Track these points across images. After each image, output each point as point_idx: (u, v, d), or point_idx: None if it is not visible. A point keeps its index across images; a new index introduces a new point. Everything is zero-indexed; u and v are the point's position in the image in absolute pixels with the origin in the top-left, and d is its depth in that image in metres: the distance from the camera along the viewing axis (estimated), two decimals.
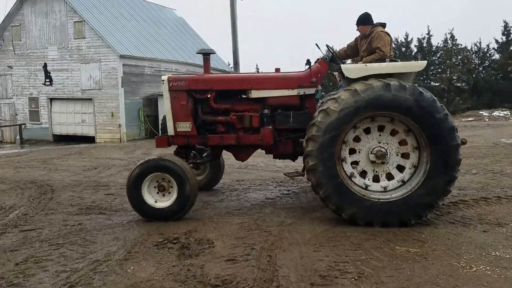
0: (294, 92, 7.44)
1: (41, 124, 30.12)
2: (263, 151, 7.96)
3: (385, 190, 6.36)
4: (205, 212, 7.38)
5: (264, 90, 7.54)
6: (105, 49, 27.39)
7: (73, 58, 28.57)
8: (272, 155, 8.05)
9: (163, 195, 7.06)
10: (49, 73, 29.49)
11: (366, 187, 6.39)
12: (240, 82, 7.63)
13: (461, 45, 47.48)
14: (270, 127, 7.51)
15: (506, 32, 45.12)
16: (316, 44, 7.54)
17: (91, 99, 28.13)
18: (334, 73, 9.13)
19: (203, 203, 7.99)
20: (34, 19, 29.54)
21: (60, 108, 29.58)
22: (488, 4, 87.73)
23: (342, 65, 6.85)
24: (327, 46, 8.14)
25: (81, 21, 27.99)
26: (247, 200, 8.22)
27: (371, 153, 6.36)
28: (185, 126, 7.67)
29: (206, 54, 7.78)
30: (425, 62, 6.96)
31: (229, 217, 6.97)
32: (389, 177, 6.43)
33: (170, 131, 7.78)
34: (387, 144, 6.38)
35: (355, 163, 6.49)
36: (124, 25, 30.50)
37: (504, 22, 44.49)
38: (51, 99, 29.71)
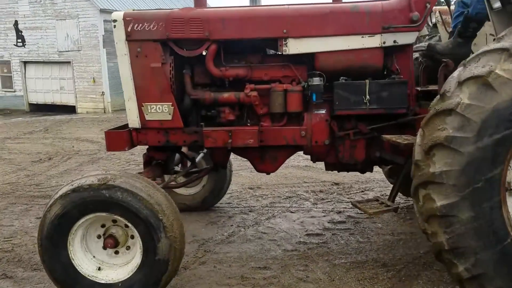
0: (374, 42, 3.76)
1: (14, 92, 26.26)
2: (306, 155, 4.31)
3: None
4: (200, 277, 3.82)
5: (312, 39, 3.87)
6: (83, 3, 23.22)
7: (47, 14, 24.37)
8: (318, 161, 4.38)
9: (115, 253, 3.52)
10: (21, 32, 25.37)
11: None
12: (266, 22, 3.91)
13: None
14: (323, 111, 3.89)
15: None
16: None
17: (69, 62, 24.13)
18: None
19: (196, 248, 4.44)
20: None
21: (36, 73, 25.61)
22: None
23: None
24: None
25: None
26: (274, 238, 4.70)
27: None
28: (161, 111, 4.04)
29: None
30: None
31: None
32: None
33: (133, 119, 4.13)
34: None
35: None
36: None
37: None
38: (25, 63, 25.70)
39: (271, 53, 4.33)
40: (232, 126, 4.06)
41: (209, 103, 4.10)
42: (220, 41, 3.95)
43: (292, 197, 5.99)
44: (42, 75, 25.71)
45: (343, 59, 3.86)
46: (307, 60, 3.98)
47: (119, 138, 4.11)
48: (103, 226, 3.46)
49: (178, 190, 5.28)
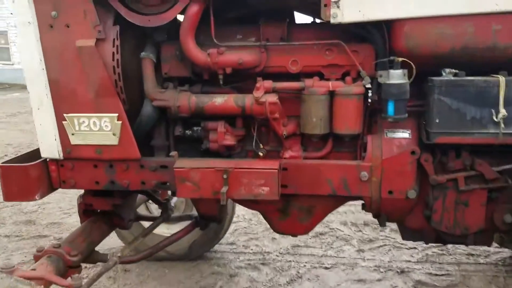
0: None
1: (13, 64, 24.55)
2: (363, 211, 2.35)
3: None
4: None
5: None
6: None
7: None
8: (388, 223, 2.41)
9: None
10: None
11: None
12: None
13: None
14: (407, 135, 2.05)
15: None
16: None
17: None
18: None
19: None
20: None
21: None
22: None
23: None
24: None
25: None
26: None
27: None
28: (98, 129, 2.17)
29: None
30: None
31: None
32: None
33: (48, 144, 2.23)
34: None
35: None
36: None
37: None
38: None
39: (304, 22, 2.40)
40: (229, 160, 2.19)
41: (188, 114, 2.21)
42: None
43: (325, 235, 4.09)
44: None
45: (456, 35, 1.90)
46: (377, 35, 2.04)
47: (23, 178, 2.23)
48: None
49: (157, 230, 3.40)
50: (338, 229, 4.21)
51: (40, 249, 2.19)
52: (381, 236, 4.03)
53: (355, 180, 2.10)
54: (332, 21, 1.95)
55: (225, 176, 2.06)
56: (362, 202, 2.26)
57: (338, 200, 2.31)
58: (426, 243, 2.44)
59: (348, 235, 4.08)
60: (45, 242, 4.13)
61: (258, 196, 2.07)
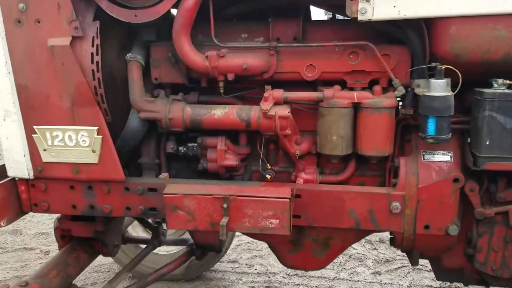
0: None
1: None
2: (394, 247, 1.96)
3: None
4: None
5: None
6: None
7: None
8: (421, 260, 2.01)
9: None
10: None
11: None
12: None
13: None
14: (448, 158, 1.74)
15: None
16: None
17: None
18: None
19: None
20: None
21: None
22: None
23: None
24: None
25: None
26: None
27: None
28: (74, 145, 1.81)
29: None
30: None
31: None
32: None
33: (16, 161, 1.87)
34: None
35: None
36: None
37: None
38: None
39: (323, 18, 2.04)
40: (230, 184, 1.82)
41: (182, 128, 1.84)
42: None
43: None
44: None
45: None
46: (414, 36, 1.66)
47: None
48: None
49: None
50: (351, 247, 3.83)
51: (3, 287, 1.84)
52: (399, 255, 3.65)
53: (384, 212, 1.73)
54: (359, 18, 1.58)
55: (225, 205, 1.70)
56: (391, 236, 1.88)
57: (361, 232, 1.94)
58: (466, 285, 2.06)
59: (363, 254, 3.70)
60: (30, 255, 3.79)
61: (265, 230, 1.70)
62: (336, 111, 1.71)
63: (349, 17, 1.61)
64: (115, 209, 1.92)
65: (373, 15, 1.58)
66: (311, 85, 1.84)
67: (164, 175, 1.83)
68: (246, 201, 1.69)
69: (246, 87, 1.89)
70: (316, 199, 1.78)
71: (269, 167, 1.92)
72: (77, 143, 1.83)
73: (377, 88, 1.73)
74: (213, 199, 1.71)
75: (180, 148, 1.94)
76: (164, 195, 1.74)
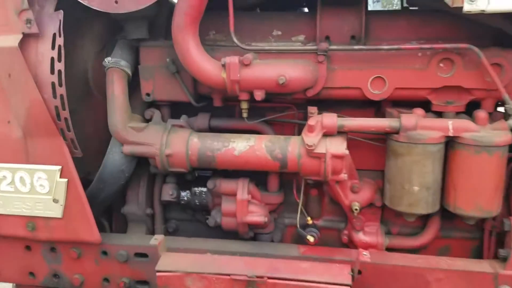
0: None
1: None
2: None
3: None
4: None
5: None
6: None
7: None
8: None
9: None
10: None
11: None
12: None
13: None
14: None
15: None
16: None
17: None
18: None
19: None
20: None
21: None
22: None
23: None
24: None
25: None
26: None
27: None
28: (29, 191, 1.23)
29: None
30: None
31: None
32: None
33: None
34: None
35: None
36: None
37: None
38: None
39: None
40: (255, 246, 1.25)
41: (186, 168, 1.27)
42: None
43: None
44: None
45: None
46: None
47: None
48: None
49: None
50: None
51: None
52: None
53: None
54: (466, 8, 1.00)
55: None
56: None
57: None
58: None
59: None
60: None
61: None
62: (420, 148, 1.12)
63: (440, 8, 1.01)
64: (88, 281, 1.34)
65: (488, 3, 0.99)
66: (374, 106, 1.25)
67: (160, 238, 1.24)
68: (281, 286, 1.11)
69: (279, 108, 1.30)
70: (385, 277, 1.19)
71: (310, 221, 1.33)
72: (33, 189, 1.25)
73: (481, 114, 1.14)
74: (231, 281, 1.12)
75: (183, 194, 1.35)
76: (157, 273, 1.15)
